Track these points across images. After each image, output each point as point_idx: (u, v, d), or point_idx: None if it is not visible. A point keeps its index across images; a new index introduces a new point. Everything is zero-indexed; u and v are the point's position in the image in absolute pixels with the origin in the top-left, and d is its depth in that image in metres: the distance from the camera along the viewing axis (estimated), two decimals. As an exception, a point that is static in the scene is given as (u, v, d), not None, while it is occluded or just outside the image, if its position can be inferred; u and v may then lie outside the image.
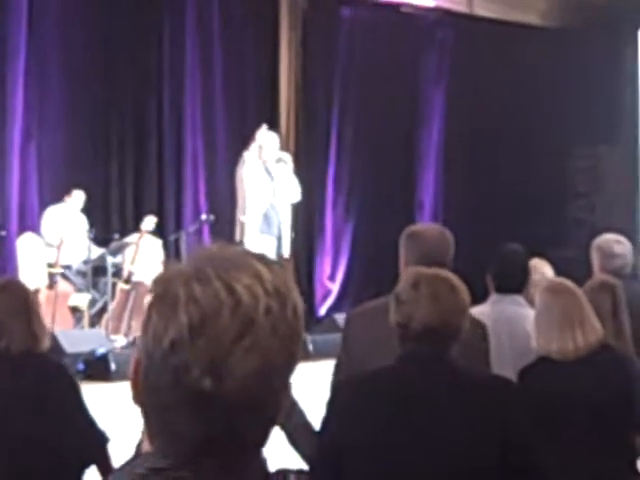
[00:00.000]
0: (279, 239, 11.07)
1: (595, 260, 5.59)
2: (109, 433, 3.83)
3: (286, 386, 1.29)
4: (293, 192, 11.32)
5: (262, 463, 1.30)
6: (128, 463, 1.29)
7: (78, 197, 11.45)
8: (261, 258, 1.30)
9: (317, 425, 3.21)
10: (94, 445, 3.68)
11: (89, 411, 3.73)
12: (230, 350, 1.21)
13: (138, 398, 1.28)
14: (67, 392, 3.65)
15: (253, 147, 11.11)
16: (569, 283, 4.22)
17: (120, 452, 3.51)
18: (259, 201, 10.99)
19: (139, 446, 3.39)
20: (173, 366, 1.22)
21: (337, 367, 3.83)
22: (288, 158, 11.38)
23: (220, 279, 1.24)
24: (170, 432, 1.25)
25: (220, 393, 1.21)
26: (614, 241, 5.64)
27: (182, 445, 1.24)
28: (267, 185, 11.05)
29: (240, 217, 11.10)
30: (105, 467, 3.69)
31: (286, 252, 11.13)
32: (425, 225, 4.46)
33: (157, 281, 1.28)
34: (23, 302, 3.69)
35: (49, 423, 3.51)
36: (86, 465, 3.66)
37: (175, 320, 1.22)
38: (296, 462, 3.67)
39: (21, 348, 3.63)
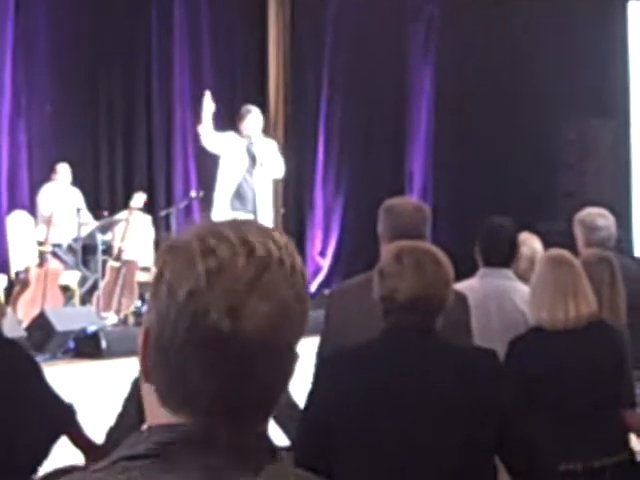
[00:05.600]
0: (254, 215, 10.72)
1: (578, 234, 5.58)
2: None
3: (295, 352, 1.32)
4: (276, 169, 10.95)
5: (269, 438, 1.31)
6: (136, 437, 1.27)
7: (64, 171, 11.40)
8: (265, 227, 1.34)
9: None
10: (62, 417, 3.60)
11: (51, 385, 3.66)
12: (247, 293, 1.24)
13: (147, 373, 1.29)
14: (25, 368, 3.56)
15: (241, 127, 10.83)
16: (568, 254, 4.22)
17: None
18: (231, 178, 10.72)
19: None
20: (191, 312, 1.24)
21: (320, 345, 3.83)
22: (267, 139, 11.09)
23: (234, 232, 1.28)
24: (183, 394, 1.25)
25: (238, 334, 1.23)
26: (596, 214, 5.62)
27: (195, 406, 1.25)
28: (242, 162, 10.76)
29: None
30: (78, 437, 3.62)
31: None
32: (401, 199, 4.43)
33: (169, 245, 1.30)
34: None
35: (9, 399, 3.43)
36: (55, 438, 3.58)
37: (192, 271, 1.25)
38: (283, 440, 3.67)
39: None
